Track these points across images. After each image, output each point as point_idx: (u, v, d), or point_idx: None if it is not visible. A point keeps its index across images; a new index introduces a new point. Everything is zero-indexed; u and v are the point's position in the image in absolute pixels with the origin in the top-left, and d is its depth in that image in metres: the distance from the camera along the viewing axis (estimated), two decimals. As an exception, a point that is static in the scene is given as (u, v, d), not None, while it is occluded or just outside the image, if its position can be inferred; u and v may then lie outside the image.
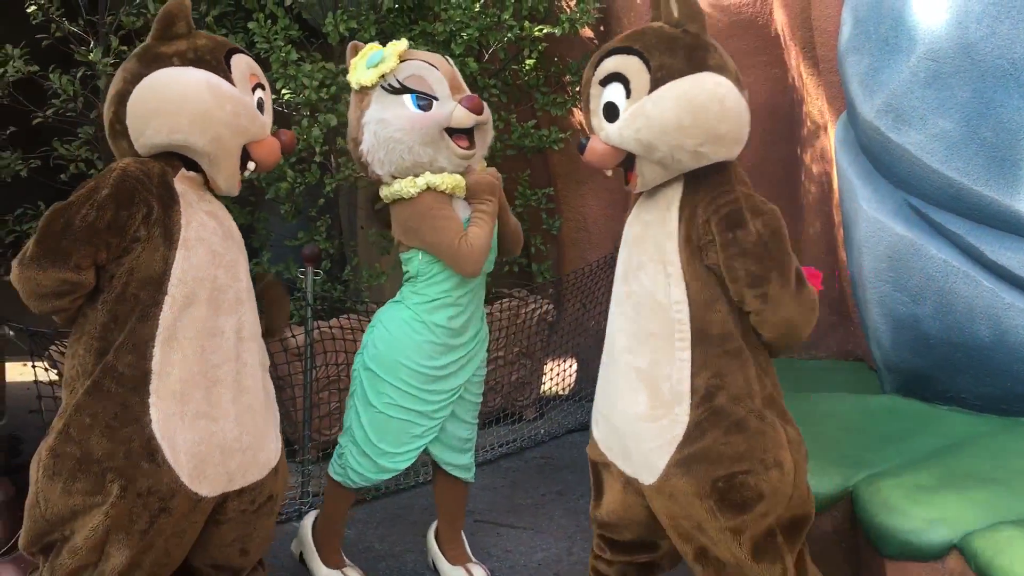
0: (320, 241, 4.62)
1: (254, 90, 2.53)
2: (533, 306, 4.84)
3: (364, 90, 2.83)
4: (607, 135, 2.45)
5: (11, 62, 3.90)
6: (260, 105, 2.55)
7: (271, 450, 2.55)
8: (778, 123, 4.96)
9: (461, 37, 4.48)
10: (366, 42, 4.28)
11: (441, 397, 2.89)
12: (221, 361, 2.40)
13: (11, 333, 2.95)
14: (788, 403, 3.67)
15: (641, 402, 2.45)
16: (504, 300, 4.73)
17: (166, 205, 2.35)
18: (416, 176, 2.78)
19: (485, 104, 2.85)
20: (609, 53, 2.47)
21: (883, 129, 3.39)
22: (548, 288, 5.19)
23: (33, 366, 3.07)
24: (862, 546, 2.82)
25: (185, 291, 2.34)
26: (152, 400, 2.29)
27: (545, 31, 4.74)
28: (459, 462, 3.02)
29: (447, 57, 2.98)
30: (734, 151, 2.42)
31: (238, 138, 2.42)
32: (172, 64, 2.38)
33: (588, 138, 2.52)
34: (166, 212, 2.34)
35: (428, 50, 4.32)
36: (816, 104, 4.59)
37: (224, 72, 2.43)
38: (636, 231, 2.55)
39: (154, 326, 2.31)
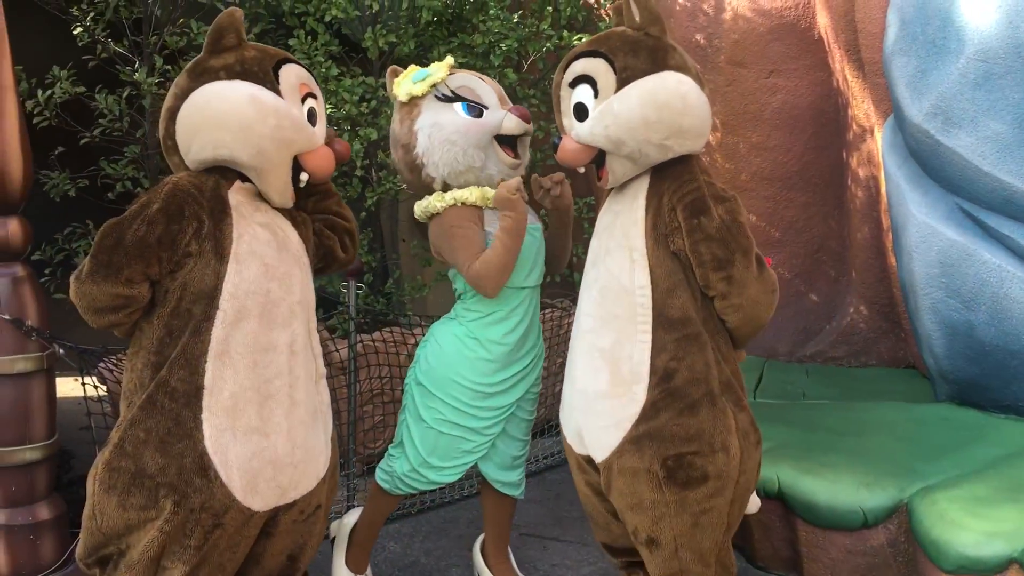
0: (362, 254, 4.64)
1: (305, 99, 2.52)
2: (576, 316, 4.82)
3: (413, 100, 2.87)
4: (578, 134, 2.57)
5: (58, 83, 3.98)
6: (312, 115, 2.54)
7: (321, 461, 2.54)
8: (824, 127, 4.90)
9: (500, 48, 4.49)
10: (405, 55, 4.34)
11: (493, 414, 2.87)
12: (273, 376, 2.40)
13: (61, 351, 2.99)
14: (839, 412, 3.64)
15: (602, 380, 2.54)
16: (547, 311, 4.71)
17: (217, 219, 2.35)
18: (444, 190, 2.81)
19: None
20: (577, 57, 2.61)
21: (932, 132, 3.33)
22: (591, 298, 5.16)
23: (83, 383, 3.12)
24: (919, 560, 2.76)
25: (236, 306, 2.34)
26: (204, 416, 2.30)
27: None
28: (508, 479, 3.00)
29: (493, 79, 3.04)
30: (698, 144, 2.54)
31: (284, 150, 2.41)
32: (219, 78, 2.38)
33: (561, 137, 2.64)
34: (217, 226, 2.35)
35: (467, 61, 4.35)
36: (862, 107, 4.52)
37: (271, 84, 2.42)
38: (606, 221, 2.66)
39: (206, 341, 2.31)
